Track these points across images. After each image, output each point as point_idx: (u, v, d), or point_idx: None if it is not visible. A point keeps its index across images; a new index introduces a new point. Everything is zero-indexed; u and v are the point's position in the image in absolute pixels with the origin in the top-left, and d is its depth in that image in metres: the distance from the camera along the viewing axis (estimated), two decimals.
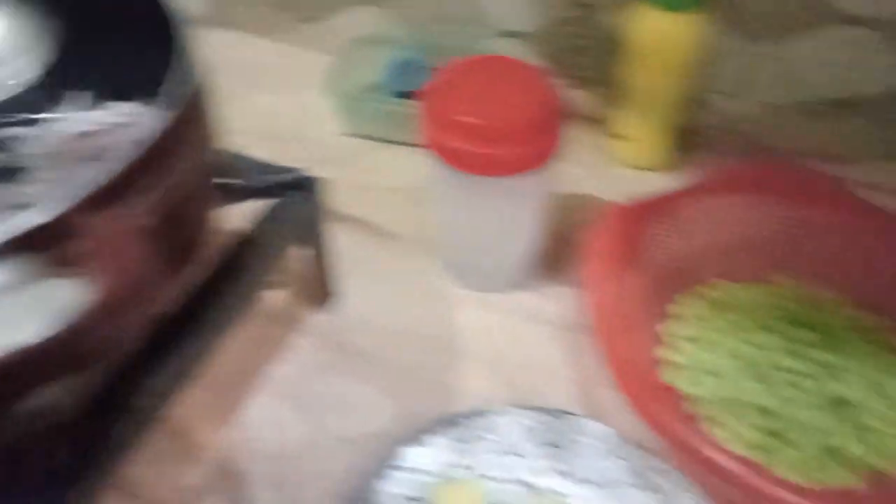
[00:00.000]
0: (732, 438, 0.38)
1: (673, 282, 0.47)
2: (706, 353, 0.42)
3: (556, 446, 0.39)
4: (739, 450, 0.38)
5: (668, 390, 0.42)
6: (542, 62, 0.63)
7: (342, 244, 0.49)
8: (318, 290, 0.48)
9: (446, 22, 0.64)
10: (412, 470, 0.37)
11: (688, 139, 0.59)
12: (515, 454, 0.39)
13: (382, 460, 0.38)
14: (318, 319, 0.47)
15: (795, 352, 0.41)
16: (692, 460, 0.34)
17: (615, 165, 0.58)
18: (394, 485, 0.37)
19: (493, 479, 0.38)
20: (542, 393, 0.43)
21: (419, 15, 0.65)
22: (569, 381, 0.44)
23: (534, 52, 0.62)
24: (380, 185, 0.56)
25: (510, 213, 0.44)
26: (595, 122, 0.61)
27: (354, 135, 0.61)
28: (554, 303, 0.48)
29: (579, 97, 0.63)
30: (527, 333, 0.47)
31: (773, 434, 0.38)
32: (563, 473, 0.38)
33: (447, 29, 0.64)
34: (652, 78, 0.54)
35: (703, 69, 0.57)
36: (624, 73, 0.55)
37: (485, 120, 0.40)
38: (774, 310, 0.44)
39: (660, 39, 0.52)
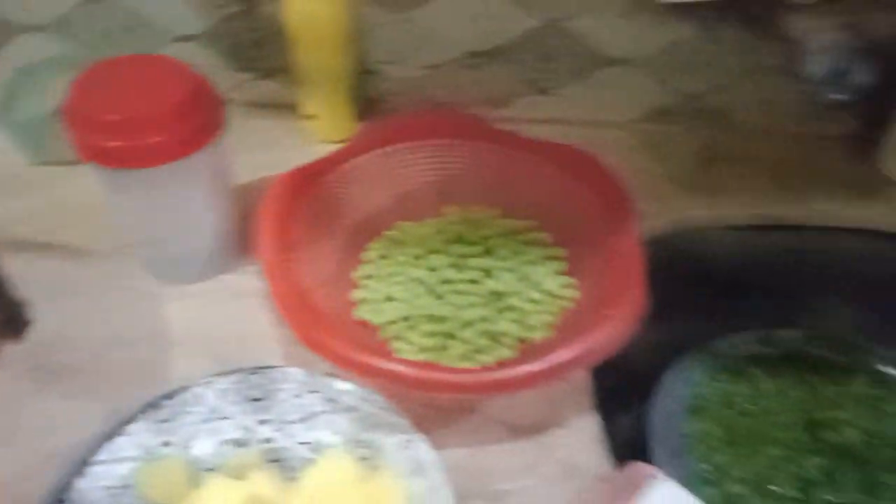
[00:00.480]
0: (411, 349, 0.44)
1: (364, 233, 0.52)
2: (386, 285, 0.47)
3: (258, 399, 0.41)
4: (414, 356, 0.43)
5: (362, 324, 0.46)
6: (222, 60, 0.65)
7: (34, 272, 0.48)
8: (8, 321, 0.46)
9: (117, 36, 0.64)
10: (113, 461, 0.38)
11: (371, 108, 0.65)
12: (221, 418, 0.41)
13: (82, 460, 0.38)
14: (12, 350, 0.46)
15: (459, 265, 0.48)
16: (365, 374, 0.38)
17: (310, 143, 0.62)
18: (93, 479, 0.37)
19: (201, 447, 0.40)
20: (252, 358, 0.46)
21: (89, 33, 0.64)
22: (274, 342, 0.47)
23: (210, 52, 0.64)
24: (69, 206, 0.55)
25: (181, 201, 0.46)
26: (289, 107, 0.64)
27: (40, 163, 0.59)
28: (256, 278, 0.51)
29: (269, 86, 0.66)
30: (233, 310, 0.49)
31: (445, 336, 0.44)
32: (267, 422, 0.41)
33: (120, 42, 0.64)
34: (316, 57, 0.59)
35: (362, 42, 0.62)
36: (295, 56, 0.59)
37: (125, 114, 0.42)
38: (443, 235, 0.50)
39: (310, 20, 0.57)
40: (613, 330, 0.39)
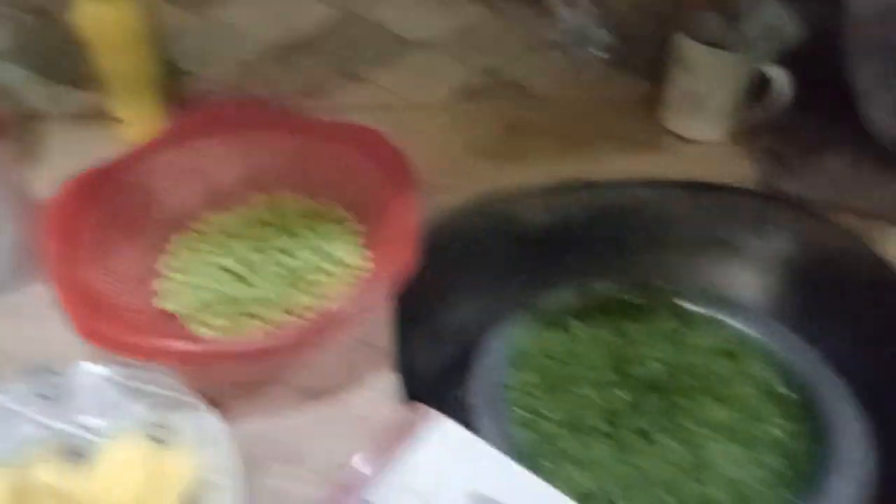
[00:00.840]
0: (210, 332, 0.45)
1: (172, 226, 0.53)
2: (189, 274, 0.48)
3: (50, 397, 0.41)
4: (211, 335, 0.44)
5: (165, 314, 0.47)
6: (32, 74, 0.64)
7: None
8: None
9: None
10: None
11: (186, 107, 0.65)
12: (17, 419, 0.41)
13: None
14: None
15: (261, 248, 0.50)
16: (145, 356, 0.40)
17: (122, 148, 0.62)
18: None
19: None
20: (54, 359, 0.46)
21: None
22: (76, 343, 0.47)
23: (19, 67, 0.63)
24: None
25: None
26: (101, 114, 0.64)
27: None
28: None
29: (81, 96, 0.66)
30: (37, 317, 0.48)
31: (244, 315, 0.46)
32: (64, 417, 0.41)
33: None
34: (114, 61, 0.59)
35: (169, 44, 0.63)
36: (96, 63, 0.59)
37: None
38: (247, 222, 0.52)
39: (101, 25, 0.57)
40: (373, 289, 0.42)
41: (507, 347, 0.62)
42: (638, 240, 0.67)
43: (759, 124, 0.64)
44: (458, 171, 0.63)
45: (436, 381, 0.58)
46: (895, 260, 0.57)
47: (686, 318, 0.64)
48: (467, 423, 0.55)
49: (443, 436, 0.40)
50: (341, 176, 0.53)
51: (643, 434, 0.55)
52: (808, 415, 0.55)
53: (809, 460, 0.52)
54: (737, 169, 0.64)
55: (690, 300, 0.65)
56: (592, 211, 0.66)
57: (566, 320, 0.64)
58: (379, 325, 0.48)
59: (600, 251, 0.67)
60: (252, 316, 0.46)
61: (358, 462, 0.39)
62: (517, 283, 0.66)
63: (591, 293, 0.66)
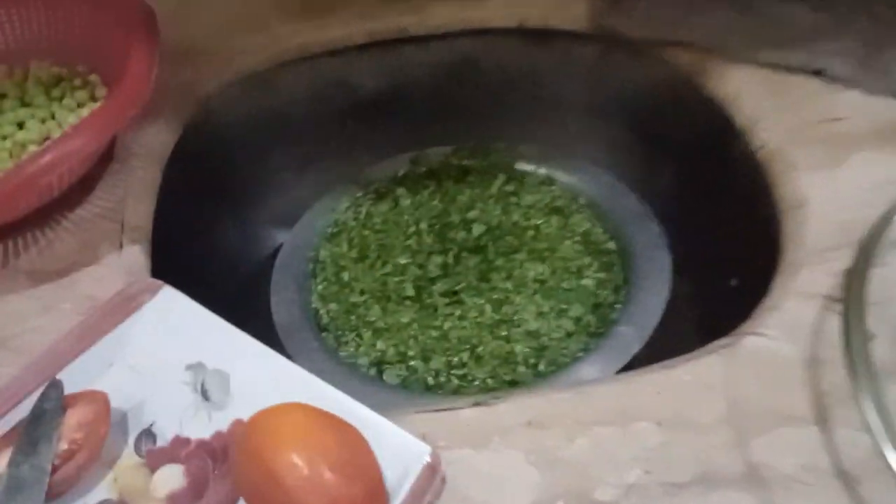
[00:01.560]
0: None
1: None
2: None
3: None
4: None
5: None
6: None
7: None
8: None
9: None
10: None
11: None
12: None
13: None
14: None
15: None
16: None
17: None
18: None
19: None
20: None
21: None
22: None
23: None
24: None
25: None
26: None
27: None
28: None
29: None
30: None
31: None
32: None
33: None
34: None
35: None
36: None
37: None
38: None
39: None
40: (64, 144, 0.37)
41: (327, 220, 0.59)
42: (474, 99, 0.61)
43: None
44: (266, 33, 0.57)
45: (233, 260, 0.55)
46: (726, 99, 0.52)
47: (520, 178, 0.60)
48: (267, 301, 0.53)
49: (168, 308, 0.37)
50: (90, 38, 0.48)
51: (452, 297, 0.52)
52: (622, 262, 0.52)
53: (612, 307, 0.50)
54: (570, 10, 0.58)
55: (526, 159, 0.61)
56: (424, 69, 0.60)
57: (393, 189, 0.60)
58: (130, 201, 0.44)
59: (435, 114, 0.62)
60: None
61: (61, 341, 0.36)
62: (344, 153, 0.62)
63: (424, 160, 0.62)
